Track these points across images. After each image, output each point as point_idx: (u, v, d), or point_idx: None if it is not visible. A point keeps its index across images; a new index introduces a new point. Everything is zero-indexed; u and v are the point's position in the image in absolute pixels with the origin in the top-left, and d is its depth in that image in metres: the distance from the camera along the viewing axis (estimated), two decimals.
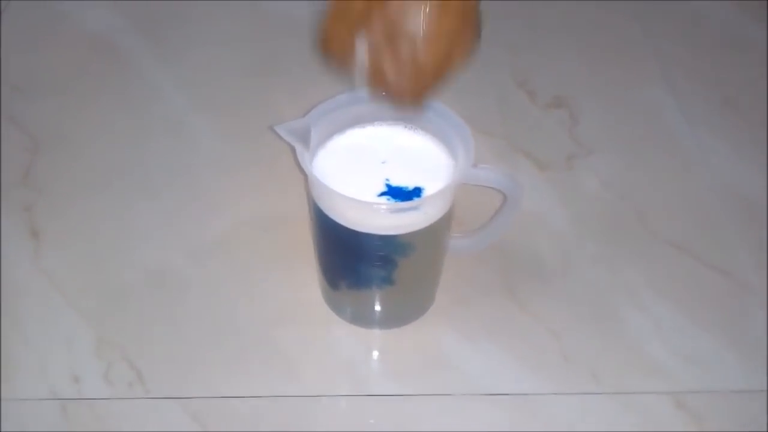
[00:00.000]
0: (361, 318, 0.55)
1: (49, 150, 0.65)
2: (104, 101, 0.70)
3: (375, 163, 0.48)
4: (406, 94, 0.43)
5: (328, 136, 0.49)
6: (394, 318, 0.55)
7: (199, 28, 0.78)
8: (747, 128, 0.69)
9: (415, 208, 0.44)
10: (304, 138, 0.47)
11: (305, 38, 0.76)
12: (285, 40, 0.76)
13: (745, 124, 0.69)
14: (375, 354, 0.54)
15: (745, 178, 0.65)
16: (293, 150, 0.46)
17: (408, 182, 0.46)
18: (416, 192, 0.46)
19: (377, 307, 0.54)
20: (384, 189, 0.46)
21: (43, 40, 0.76)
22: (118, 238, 0.60)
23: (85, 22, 0.78)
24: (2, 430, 0.49)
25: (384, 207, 0.43)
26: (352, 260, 0.50)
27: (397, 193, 0.46)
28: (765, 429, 0.50)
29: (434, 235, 0.49)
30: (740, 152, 0.67)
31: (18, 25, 0.77)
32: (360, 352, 0.54)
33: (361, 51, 0.43)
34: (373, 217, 0.44)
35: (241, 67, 0.74)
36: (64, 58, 0.74)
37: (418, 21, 0.41)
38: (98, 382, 0.51)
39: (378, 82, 0.43)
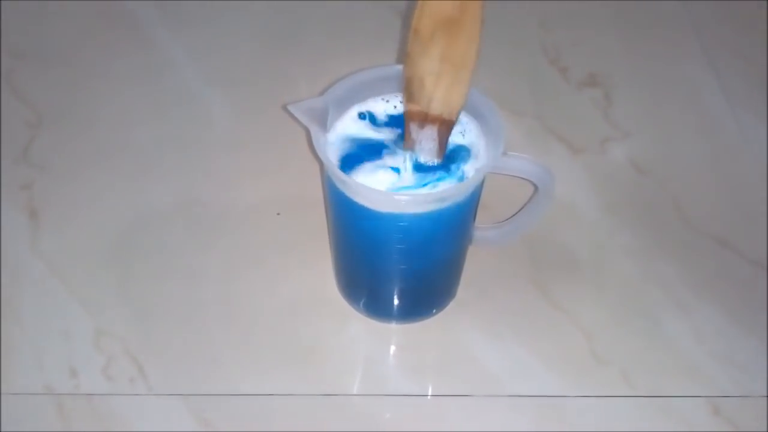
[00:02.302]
0: (378, 310, 0.52)
1: (52, 124, 0.63)
2: (113, 72, 0.68)
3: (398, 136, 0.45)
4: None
5: (348, 107, 0.46)
6: (413, 311, 0.52)
7: None
8: None
9: (440, 200, 0.41)
10: (321, 119, 0.43)
11: (325, 8, 0.73)
12: (304, 11, 0.73)
13: None
14: (392, 350, 0.52)
15: None
16: (307, 132, 0.43)
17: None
18: (442, 167, 0.43)
19: (395, 299, 0.51)
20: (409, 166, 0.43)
21: (49, 5, 0.73)
22: (123, 220, 0.57)
23: None
24: None
25: (405, 198, 0.40)
26: (369, 245, 0.47)
27: (422, 169, 0.43)
28: None
29: (458, 222, 0.46)
30: None
31: None
32: (376, 348, 0.51)
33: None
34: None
35: (258, 38, 0.71)
36: (72, 25, 0.72)
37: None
38: (97, 377, 0.49)
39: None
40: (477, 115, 0.45)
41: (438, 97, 0.41)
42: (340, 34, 0.71)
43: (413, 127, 0.43)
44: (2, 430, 0.46)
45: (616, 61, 0.69)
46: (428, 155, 0.43)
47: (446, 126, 0.42)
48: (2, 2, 0.72)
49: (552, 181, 0.45)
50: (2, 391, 0.48)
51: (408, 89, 0.42)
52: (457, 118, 0.42)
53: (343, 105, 0.45)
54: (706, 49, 0.70)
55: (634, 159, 0.61)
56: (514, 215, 0.50)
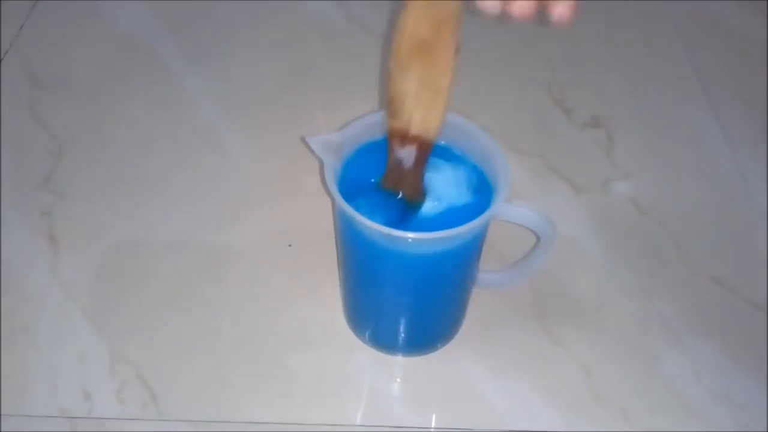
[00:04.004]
0: (384, 342, 0.53)
1: (72, 153, 0.65)
2: (132, 104, 0.70)
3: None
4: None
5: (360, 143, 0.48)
6: (418, 344, 0.53)
7: (232, 31, 0.77)
8: None
9: (444, 239, 0.42)
10: (336, 153, 0.45)
11: (340, 45, 0.75)
12: (319, 47, 0.76)
13: None
14: (396, 382, 0.53)
15: None
16: (321, 164, 0.45)
17: (442, 198, 0.45)
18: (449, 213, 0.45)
19: (401, 332, 0.52)
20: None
21: (72, 39, 0.76)
22: (139, 247, 0.58)
23: (116, 21, 0.77)
24: None
25: (412, 237, 0.41)
26: (376, 279, 0.49)
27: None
28: None
29: (462, 262, 0.47)
30: None
31: (48, 23, 0.77)
32: (381, 379, 0.52)
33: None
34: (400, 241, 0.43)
35: (274, 73, 0.73)
36: (94, 58, 0.74)
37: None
38: (110, 401, 0.50)
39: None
40: (484, 160, 0.47)
41: (417, 118, 0.43)
42: (352, 72, 0.73)
43: (395, 145, 0.44)
44: None
45: (619, 103, 0.71)
46: (407, 189, 0.45)
47: (425, 147, 0.44)
48: (27, 35, 0.75)
49: (553, 231, 0.46)
50: (18, 413, 0.49)
51: (390, 107, 0.43)
52: (435, 139, 0.43)
53: (357, 141, 0.47)
54: (707, 92, 0.72)
55: (635, 199, 0.63)
56: (517, 262, 0.51)
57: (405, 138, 0.43)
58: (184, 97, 0.70)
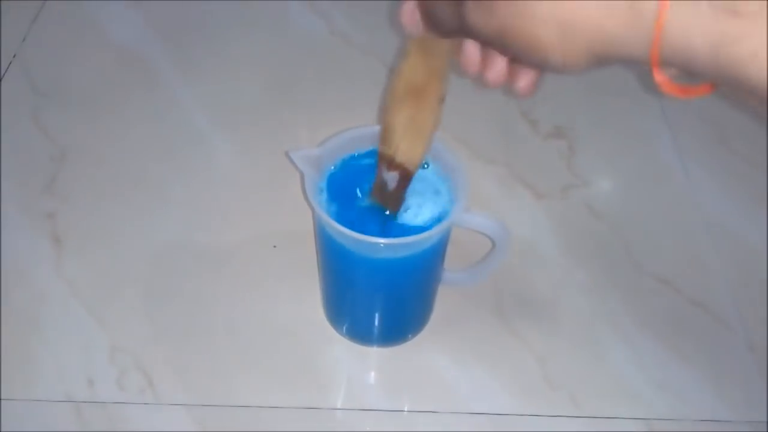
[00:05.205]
0: (360, 335, 0.58)
1: (74, 159, 0.69)
2: (128, 112, 0.74)
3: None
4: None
5: (343, 155, 0.53)
6: (390, 336, 0.58)
7: (224, 45, 0.81)
8: (738, 167, 0.71)
9: (411, 243, 0.48)
10: (316, 167, 0.50)
11: (326, 60, 0.79)
12: (308, 61, 0.80)
13: (737, 163, 0.72)
14: (371, 370, 0.57)
15: (731, 216, 0.67)
16: (302, 177, 0.49)
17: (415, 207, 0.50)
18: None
19: (374, 326, 0.57)
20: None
21: (73, 50, 0.79)
22: (136, 248, 0.63)
23: (114, 33, 0.81)
24: (19, 429, 0.52)
25: (383, 242, 0.47)
26: (351, 279, 0.54)
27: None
28: None
29: (427, 263, 0.52)
30: (729, 190, 0.69)
31: (49, 35, 0.81)
32: (357, 368, 0.57)
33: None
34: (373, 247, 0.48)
35: (261, 84, 0.77)
36: (93, 68, 0.78)
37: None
38: (111, 387, 0.54)
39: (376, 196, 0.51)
40: (449, 170, 0.52)
41: (402, 149, 0.48)
42: (334, 85, 0.77)
43: (382, 167, 0.49)
44: None
45: (580, 115, 0.76)
46: (389, 205, 0.50)
47: (406, 175, 0.49)
48: (30, 46, 0.79)
49: (506, 236, 0.51)
50: (27, 398, 0.54)
51: (383, 134, 0.48)
52: (415, 170, 0.48)
53: (339, 153, 0.52)
54: (662, 104, 0.77)
55: (592, 205, 0.68)
56: (476, 263, 0.56)
57: (391, 164, 0.48)
58: (177, 107, 0.74)
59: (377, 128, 0.50)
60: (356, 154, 0.53)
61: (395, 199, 0.50)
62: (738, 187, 0.70)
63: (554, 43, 0.34)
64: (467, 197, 0.48)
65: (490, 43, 0.37)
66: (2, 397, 0.54)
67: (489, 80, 0.41)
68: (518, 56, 0.36)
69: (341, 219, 0.48)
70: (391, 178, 0.49)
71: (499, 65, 0.40)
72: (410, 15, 0.41)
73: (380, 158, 0.49)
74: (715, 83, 0.33)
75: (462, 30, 0.37)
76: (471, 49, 0.41)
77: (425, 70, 0.45)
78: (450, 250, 0.54)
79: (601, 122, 0.76)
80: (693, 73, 0.32)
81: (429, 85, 0.45)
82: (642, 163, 0.72)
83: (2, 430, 0.52)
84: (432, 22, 0.40)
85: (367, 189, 0.51)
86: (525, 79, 0.40)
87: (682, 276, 0.63)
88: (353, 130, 0.52)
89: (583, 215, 0.67)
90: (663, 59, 0.32)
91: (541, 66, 0.36)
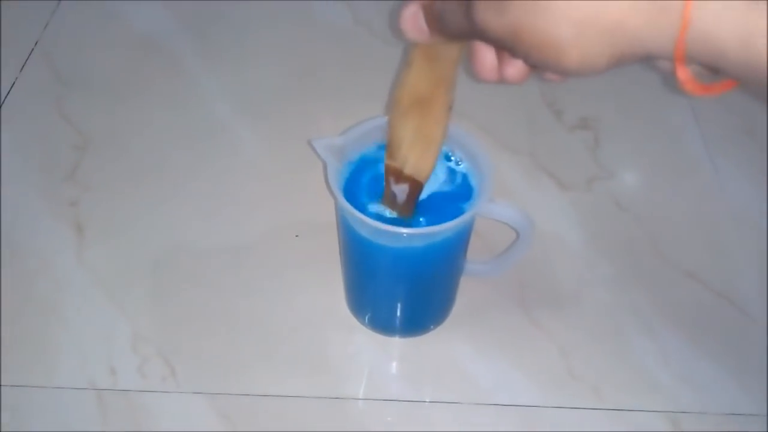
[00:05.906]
0: (382, 325, 0.58)
1: (96, 147, 0.69)
2: (151, 101, 0.74)
3: None
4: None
5: (365, 145, 0.52)
6: (413, 326, 0.58)
7: (247, 33, 0.81)
8: (765, 159, 0.70)
9: (434, 233, 0.47)
10: (339, 156, 0.50)
11: (350, 49, 0.79)
12: (331, 50, 0.80)
13: (765, 155, 0.71)
14: (393, 360, 0.57)
15: (758, 209, 0.66)
16: (325, 166, 0.49)
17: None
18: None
19: (397, 316, 0.57)
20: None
21: (94, 39, 0.80)
22: (159, 236, 0.63)
23: (136, 22, 0.81)
24: (43, 416, 0.53)
25: (405, 232, 0.46)
26: (373, 269, 0.53)
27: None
28: None
29: (450, 254, 0.52)
30: (756, 183, 0.68)
31: (71, 22, 0.81)
32: (379, 358, 0.57)
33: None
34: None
35: (284, 73, 0.77)
36: (115, 57, 0.78)
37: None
38: (133, 375, 0.55)
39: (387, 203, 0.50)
40: (472, 160, 0.51)
41: (411, 161, 0.47)
42: (358, 74, 0.77)
43: (390, 180, 0.48)
44: (50, 419, 0.53)
45: (606, 106, 0.75)
46: (401, 212, 0.49)
47: (416, 186, 0.48)
48: (51, 35, 0.79)
49: (530, 227, 0.50)
50: (51, 386, 0.54)
51: (389, 147, 0.47)
52: (425, 181, 0.47)
53: (362, 142, 0.52)
54: (690, 98, 0.75)
55: (617, 197, 0.67)
56: (499, 254, 0.56)
57: (399, 176, 0.47)
58: (200, 96, 0.74)
59: None
60: (380, 144, 0.52)
61: (407, 209, 0.49)
62: (766, 180, 0.69)
63: (571, 43, 0.32)
64: (491, 187, 0.48)
65: (502, 44, 0.34)
66: (25, 385, 0.54)
67: (509, 77, 0.39)
68: (531, 58, 0.34)
69: (363, 208, 0.47)
70: (401, 190, 0.48)
71: (519, 62, 0.38)
72: (413, 20, 0.38)
73: (387, 171, 0.48)
74: (738, 79, 0.32)
75: (471, 32, 0.35)
76: (484, 53, 0.39)
77: (431, 78, 0.43)
78: (473, 241, 0.54)
79: (627, 113, 0.75)
80: (718, 69, 0.31)
81: (435, 93, 0.44)
82: (668, 155, 0.71)
83: (25, 417, 0.53)
84: (439, 25, 0.38)
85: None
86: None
87: (708, 269, 0.62)
88: (376, 120, 0.51)
89: (609, 207, 0.66)
90: (688, 55, 0.31)
91: (555, 68, 0.34)
